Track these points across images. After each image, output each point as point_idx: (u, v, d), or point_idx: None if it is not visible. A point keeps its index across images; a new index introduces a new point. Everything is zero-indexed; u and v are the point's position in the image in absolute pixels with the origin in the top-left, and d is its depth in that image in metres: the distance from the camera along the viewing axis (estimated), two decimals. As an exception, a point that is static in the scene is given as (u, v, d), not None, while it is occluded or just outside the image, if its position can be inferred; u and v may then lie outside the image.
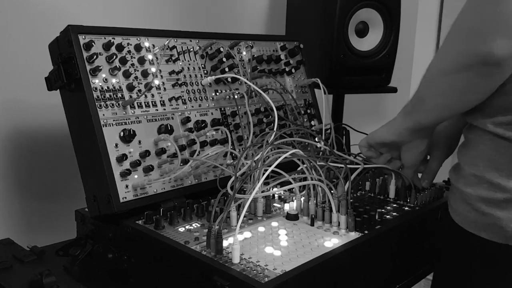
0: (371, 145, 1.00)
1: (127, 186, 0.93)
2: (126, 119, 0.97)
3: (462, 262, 0.84)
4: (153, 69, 1.04)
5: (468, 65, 0.71)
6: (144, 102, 1.01)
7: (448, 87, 0.77)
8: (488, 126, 0.76)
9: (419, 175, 1.05)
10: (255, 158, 0.92)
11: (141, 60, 1.02)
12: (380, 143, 0.98)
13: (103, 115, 0.93)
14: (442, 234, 0.92)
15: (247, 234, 0.83)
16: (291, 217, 0.91)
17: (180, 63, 1.10)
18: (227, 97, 1.15)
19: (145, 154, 0.96)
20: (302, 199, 0.95)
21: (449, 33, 0.75)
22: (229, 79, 1.16)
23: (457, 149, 0.86)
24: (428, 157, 1.02)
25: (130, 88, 0.99)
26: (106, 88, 0.96)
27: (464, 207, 0.80)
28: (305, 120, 1.32)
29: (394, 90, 1.73)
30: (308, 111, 1.34)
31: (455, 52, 0.73)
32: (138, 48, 1.02)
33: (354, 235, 0.84)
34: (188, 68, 1.11)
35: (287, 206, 0.95)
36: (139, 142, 0.97)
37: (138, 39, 1.03)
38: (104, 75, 0.96)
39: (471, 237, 0.79)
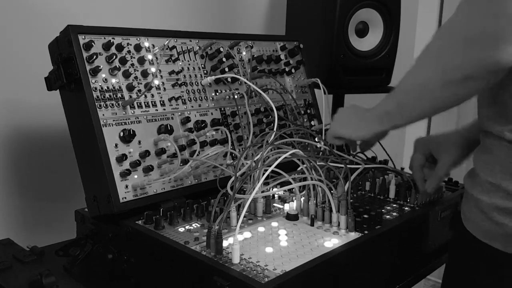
0: (337, 138, 1.01)
1: (127, 186, 0.93)
2: (126, 119, 0.97)
3: (473, 271, 0.81)
4: (153, 69, 1.04)
5: (474, 74, 0.68)
6: (144, 102, 1.01)
7: (449, 96, 0.74)
8: (506, 134, 0.74)
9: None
10: (255, 158, 0.92)
11: (141, 60, 1.02)
12: (350, 140, 1.01)
13: (103, 115, 0.93)
14: (452, 240, 0.91)
15: (247, 234, 0.83)
16: (291, 217, 0.91)
17: (180, 63, 1.10)
18: (227, 97, 1.15)
19: (145, 154, 0.96)
20: (302, 199, 0.95)
21: (442, 39, 0.72)
22: (229, 79, 1.16)
23: (473, 155, 0.84)
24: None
25: (130, 88, 0.99)
26: (106, 88, 0.96)
27: (478, 215, 0.78)
28: (305, 120, 1.32)
29: (394, 90, 1.72)
30: (308, 111, 1.34)
31: (458, 62, 0.70)
32: (138, 48, 1.02)
33: (354, 235, 0.84)
34: (188, 68, 1.11)
35: (287, 206, 0.95)
36: (139, 142, 0.97)
37: (138, 39, 1.03)
38: (104, 75, 0.96)
39: (483, 247, 0.77)
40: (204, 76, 1.13)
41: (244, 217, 0.88)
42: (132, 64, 1.01)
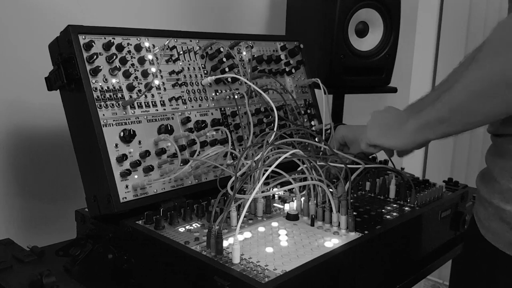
0: (373, 146, 0.99)
1: (127, 186, 0.93)
2: (126, 119, 0.97)
3: (493, 284, 0.77)
4: (153, 69, 1.04)
5: None
6: (144, 102, 1.01)
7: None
8: None
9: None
10: (255, 158, 0.92)
11: (141, 60, 1.02)
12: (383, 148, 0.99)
13: (103, 115, 0.93)
14: (466, 249, 0.88)
15: (247, 234, 0.83)
16: (291, 217, 0.91)
17: (180, 63, 1.10)
18: (227, 97, 1.15)
19: (145, 154, 0.96)
20: (302, 199, 0.95)
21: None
22: (229, 79, 1.16)
23: (490, 159, 0.79)
24: None
25: (130, 88, 0.99)
26: (106, 88, 0.96)
27: (500, 225, 0.74)
28: (305, 120, 1.32)
29: (394, 90, 1.73)
30: (308, 111, 1.34)
31: None
32: (138, 48, 1.02)
33: (354, 235, 0.84)
34: (188, 68, 1.11)
35: (287, 206, 0.95)
36: (139, 142, 0.97)
37: (138, 39, 1.03)
38: (104, 75, 0.96)
39: (506, 259, 0.73)
40: (204, 76, 1.13)
41: (244, 217, 0.88)
42: (133, 64, 1.01)
